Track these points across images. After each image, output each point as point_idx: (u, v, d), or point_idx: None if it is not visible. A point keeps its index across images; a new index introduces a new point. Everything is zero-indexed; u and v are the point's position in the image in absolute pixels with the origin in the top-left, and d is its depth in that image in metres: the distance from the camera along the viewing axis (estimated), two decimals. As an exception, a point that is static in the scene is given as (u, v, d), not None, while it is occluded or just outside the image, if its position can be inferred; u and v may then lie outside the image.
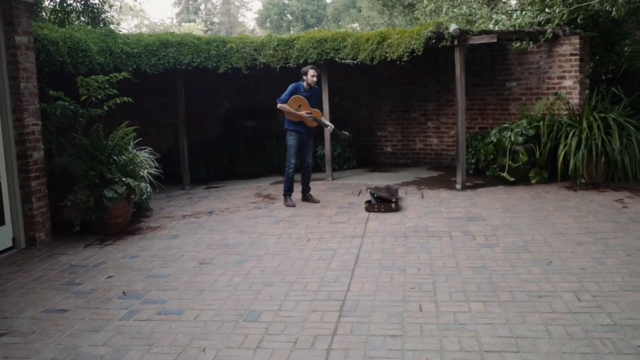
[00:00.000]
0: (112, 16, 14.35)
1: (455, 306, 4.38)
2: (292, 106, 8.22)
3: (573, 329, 3.88)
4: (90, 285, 5.27)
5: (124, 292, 5.02)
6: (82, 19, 12.87)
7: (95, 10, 12.92)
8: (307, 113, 8.28)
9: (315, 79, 8.32)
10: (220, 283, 5.17)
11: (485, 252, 5.74)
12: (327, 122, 8.84)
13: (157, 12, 77.17)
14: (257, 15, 55.70)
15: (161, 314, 4.49)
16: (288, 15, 52.14)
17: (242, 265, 5.69)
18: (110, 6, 13.92)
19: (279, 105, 8.27)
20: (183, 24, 48.97)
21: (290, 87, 8.31)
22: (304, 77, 8.33)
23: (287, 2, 52.83)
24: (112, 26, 13.34)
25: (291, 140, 8.39)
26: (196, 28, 42.11)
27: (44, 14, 12.07)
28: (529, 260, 5.43)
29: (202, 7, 60.59)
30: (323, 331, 4.03)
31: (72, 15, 12.71)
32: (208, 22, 56.94)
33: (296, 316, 4.33)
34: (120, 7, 16.08)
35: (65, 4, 12.47)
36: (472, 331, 3.92)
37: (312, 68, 8.34)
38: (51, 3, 12.37)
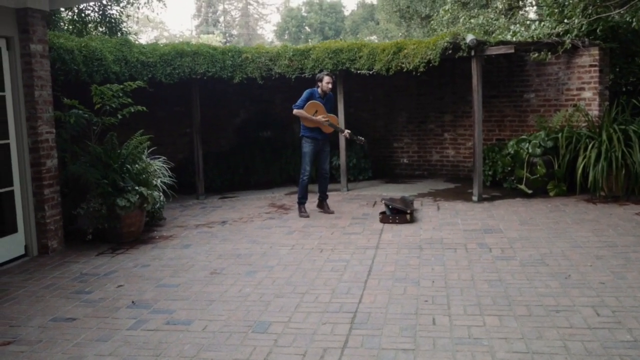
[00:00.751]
0: (131, 27, 14.46)
1: (469, 320, 4.26)
2: (308, 112, 8.13)
3: (592, 345, 3.74)
4: (100, 294, 5.24)
5: (133, 302, 4.97)
6: (100, 29, 12.97)
7: (113, 21, 13.01)
8: (324, 119, 8.21)
9: (330, 85, 8.24)
10: (231, 293, 5.11)
11: (501, 265, 5.61)
12: (343, 128, 8.76)
13: (177, 24, 78.15)
14: (275, 28, 56.17)
15: (169, 324, 4.43)
16: (306, 28, 52.46)
17: (253, 275, 5.62)
18: (128, 16, 14.03)
19: (295, 111, 8.19)
20: (202, 35, 49.32)
21: (305, 93, 8.23)
22: (319, 84, 8.25)
23: (305, 14, 53.15)
24: (129, 37, 13.42)
25: (307, 147, 8.29)
26: (215, 40, 42.36)
27: (62, 24, 12.17)
28: (547, 273, 5.29)
29: (221, 19, 61.14)
30: (333, 344, 3.94)
31: (90, 25, 12.82)
32: (227, 34, 57.40)
33: (306, 328, 4.24)
34: (138, 19, 16.23)
35: (83, 15, 12.59)
36: (486, 346, 3.80)
37: (327, 75, 8.26)
38: (69, 14, 12.48)
